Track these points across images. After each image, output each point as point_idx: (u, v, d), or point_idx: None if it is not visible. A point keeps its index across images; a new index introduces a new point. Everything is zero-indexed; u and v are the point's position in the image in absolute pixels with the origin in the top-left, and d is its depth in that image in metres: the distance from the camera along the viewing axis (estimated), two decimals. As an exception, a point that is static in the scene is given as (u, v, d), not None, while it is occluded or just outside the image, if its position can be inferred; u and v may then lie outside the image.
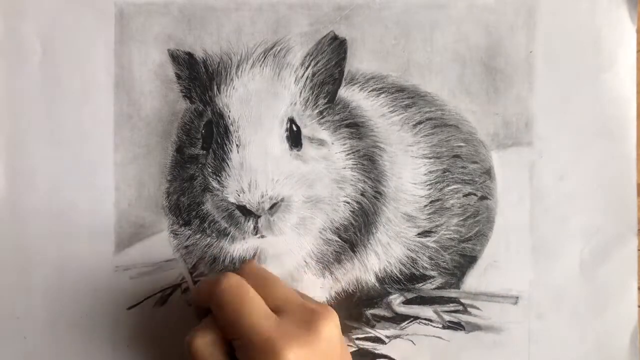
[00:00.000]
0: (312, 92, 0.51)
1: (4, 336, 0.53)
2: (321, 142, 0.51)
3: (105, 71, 0.53)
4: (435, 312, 0.54)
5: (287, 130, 0.50)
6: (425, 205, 0.54)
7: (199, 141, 0.52)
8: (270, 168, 0.49)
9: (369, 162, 0.52)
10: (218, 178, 0.49)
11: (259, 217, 0.49)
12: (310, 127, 0.51)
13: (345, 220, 0.52)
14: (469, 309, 0.54)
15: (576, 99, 0.54)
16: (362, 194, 0.52)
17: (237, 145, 0.49)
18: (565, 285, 0.54)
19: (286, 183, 0.49)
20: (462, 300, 0.54)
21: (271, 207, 0.48)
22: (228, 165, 0.49)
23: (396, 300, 0.55)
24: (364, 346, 0.54)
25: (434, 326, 0.54)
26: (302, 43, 0.53)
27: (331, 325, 0.43)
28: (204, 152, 0.51)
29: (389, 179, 0.53)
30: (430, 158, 0.54)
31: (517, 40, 0.54)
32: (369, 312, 0.55)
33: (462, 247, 0.54)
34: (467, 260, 0.54)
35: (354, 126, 0.52)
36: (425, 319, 0.54)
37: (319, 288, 0.53)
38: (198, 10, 0.53)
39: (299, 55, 0.52)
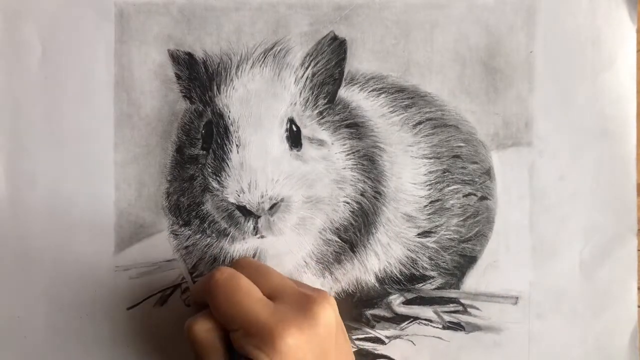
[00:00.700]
0: (312, 93, 0.51)
1: (4, 336, 0.53)
2: (321, 143, 0.51)
3: (105, 71, 0.53)
4: (435, 312, 0.54)
5: (287, 130, 0.50)
6: (425, 206, 0.53)
7: (198, 141, 0.52)
8: (270, 168, 0.49)
9: (368, 162, 0.52)
10: (218, 178, 0.49)
11: (259, 217, 0.49)
12: (310, 128, 0.51)
13: (345, 220, 0.52)
14: (468, 310, 0.54)
15: (576, 99, 0.54)
16: (362, 194, 0.52)
17: (237, 145, 0.49)
18: (565, 285, 0.54)
19: (286, 183, 0.49)
20: (462, 301, 0.54)
21: (271, 208, 0.48)
22: (228, 165, 0.49)
23: (396, 300, 0.55)
24: (364, 346, 0.54)
25: (434, 326, 0.54)
26: (302, 43, 0.53)
27: (328, 309, 0.43)
28: (204, 152, 0.51)
29: (388, 179, 0.53)
30: (430, 158, 0.54)
31: (517, 40, 0.54)
32: (369, 312, 0.55)
33: (462, 247, 0.54)
34: (467, 261, 0.54)
35: (354, 126, 0.52)
36: (425, 320, 0.54)
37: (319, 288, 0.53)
38: (198, 10, 0.53)
39: (298, 56, 0.52)
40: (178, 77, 0.53)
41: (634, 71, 0.54)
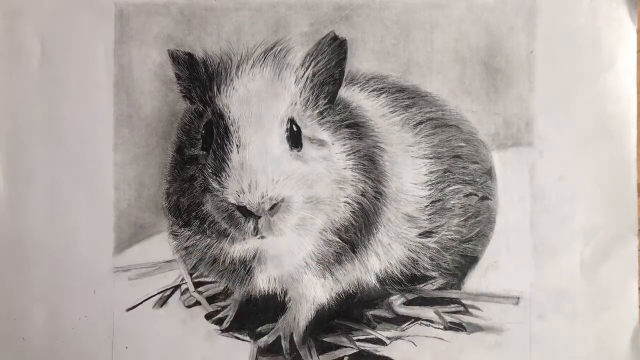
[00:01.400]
0: (313, 93, 0.51)
1: (2, 337, 0.53)
2: (321, 143, 0.51)
3: (105, 71, 0.53)
4: (436, 313, 0.54)
5: (287, 130, 0.50)
6: (426, 206, 0.53)
7: (199, 142, 0.51)
8: (271, 168, 0.48)
9: (369, 162, 0.52)
10: (218, 179, 0.49)
11: (259, 217, 0.48)
12: (310, 128, 0.51)
13: (346, 220, 0.52)
14: (470, 310, 0.54)
15: (576, 99, 0.54)
16: (362, 195, 0.51)
17: (237, 145, 0.49)
18: (566, 285, 0.54)
19: (286, 183, 0.48)
20: (463, 301, 0.54)
21: (271, 208, 0.48)
22: (228, 165, 0.49)
23: (397, 301, 0.55)
24: (365, 347, 0.54)
25: (435, 327, 0.54)
26: (302, 43, 0.53)
27: None
28: (204, 152, 0.51)
29: (389, 179, 0.52)
30: (430, 158, 0.54)
31: (517, 40, 0.54)
32: (370, 313, 0.54)
33: (463, 247, 0.54)
34: (468, 261, 0.54)
35: (354, 126, 0.52)
36: (426, 320, 0.54)
37: (319, 289, 0.53)
38: (198, 10, 0.53)
39: (299, 56, 0.52)
40: (178, 77, 0.53)
41: (634, 71, 0.54)
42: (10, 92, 0.53)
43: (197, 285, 0.55)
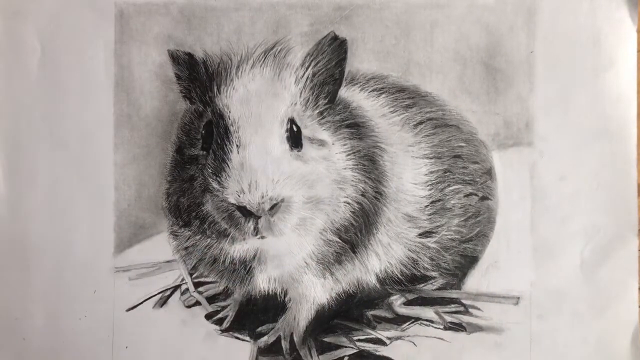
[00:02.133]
0: (313, 93, 0.51)
1: (2, 337, 0.53)
2: (321, 143, 0.51)
3: (105, 71, 0.53)
4: (437, 313, 0.54)
5: (287, 130, 0.50)
6: (426, 206, 0.53)
7: (199, 142, 0.51)
8: (271, 168, 0.48)
9: (369, 162, 0.52)
10: (218, 179, 0.49)
11: (259, 217, 0.48)
12: (310, 128, 0.51)
13: (346, 220, 0.52)
14: (470, 310, 0.54)
15: (576, 99, 0.54)
16: (362, 195, 0.51)
17: (237, 145, 0.49)
18: (566, 285, 0.54)
19: (286, 184, 0.48)
20: (463, 301, 0.54)
21: (271, 208, 0.48)
22: (228, 165, 0.49)
23: (397, 301, 0.55)
24: (365, 347, 0.54)
25: (435, 327, 0.54)
26: (303, 43, 0.53)
27: None
28: (204, 152, 0.51)
29: (389, 179, 0.52)
30: (431, 158, 0.54)
31: (517, 40, 0.54)
32: (370, 313, 0.54)
33: (463, 247, 0.54)
34: (468, 261, 0.54)
35: (354, 126, 0.52)
36: (426, 320, 0.54)
37: (319, 289, 0.53)
38: (198, 10, 0.53)
39: (299, 56, 0.52)
40: (178, 77, 0.53)
41: (635, 71, 0.54)
42: (10, 92, 0.53)
43: (197, 285, 0.55)
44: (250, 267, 0.52)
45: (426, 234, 0.54)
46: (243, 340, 0.54)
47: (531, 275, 0.54)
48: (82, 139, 0.53)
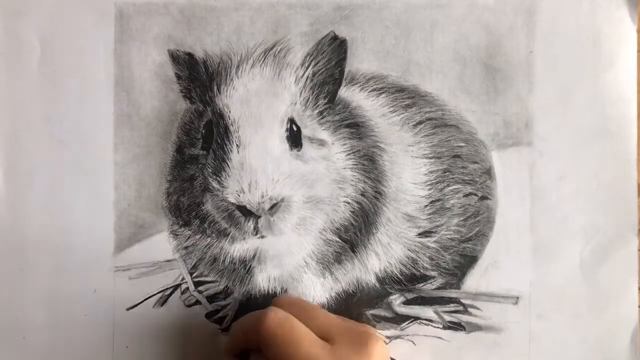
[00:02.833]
0: (313, 92, 0.51)
1: (3, 336, 0.53)
2: (321, 142, 0.51)
3: (105, 71, 0.53)
4: (436, 312, 0.54)
5: (287, 130, 0.50)
6: (426, 206, 0.53)
7: (199, 141, 0.51)
8: (271, 168, 0.48)
9: (369, 162, 0.52)
10: (218, 178, 0.49)
11: (259, 217, 0.48)
12: (310, 127, 0.51)
13: (346, 220, 0.52)
14: (469, 309, 0.54)
15: (576, 99, 0.54)
16: (362, 194, 0.52)
17: (237, 145, 0.49)
18: (565, 285, 0.54)
19: (286, 183, 0.48)
20: (463, 301, 0.54)
21: (271, 207, 0.48)
22: (228, 165, 0.49)
23: (396, 300, 0.55)
24: (364, 347, 0.54)
25: (435, 326, 0.54)
26: (302, 43, 0.53)
27: (381, 343, 0.45)
28: (204, 152, 0.51)
29: (389, 179, 0.53)
30: (430, 158, 0.54)
31: (517, 40, 0.54)
32: (370, 312, 0.54)
33: (463, 247, 0.54)
34: (468, 261, 0.54)
35: (354, 126, 0.52)
36: (425, 320, 0.54)
37: (319, 288, 0.53)
38: (198, 10, 0.53)
39: (299, 56, 0.52)
40: (178, 77, 0.53)
41: (635, 71, 0.54)
42: (10, 92, 0.53)
43: (197, 284, 0.55)
44: (250, 266, 0.52)
45: (426, 233, 0.54)
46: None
47: (530, 275, 0.54)
48: (82, 139, 0.53)
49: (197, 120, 0.52)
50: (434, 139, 0.54)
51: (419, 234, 0.54)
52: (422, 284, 0.55)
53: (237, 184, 0.48)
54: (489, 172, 0.54)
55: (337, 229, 0.52)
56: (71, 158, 0.53)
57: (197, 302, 0.55)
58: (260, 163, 0.48)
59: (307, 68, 0.51)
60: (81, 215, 0.53)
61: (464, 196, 0.54)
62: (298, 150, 0.50)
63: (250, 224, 0.49)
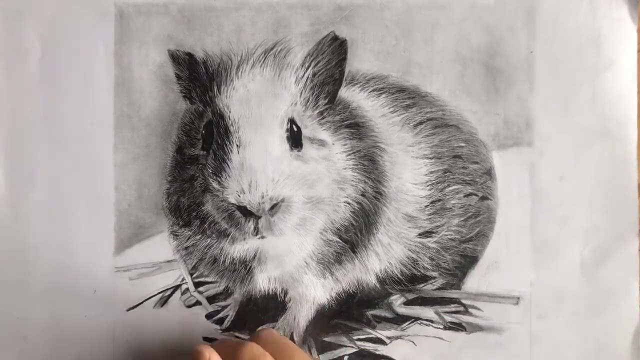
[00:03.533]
0: (313, 93, 0.51)
1: (3, 336, 0.53)
2: (322, 143, 0.51)
3: (105, 71, 0.53)
4: (436, 312, 0.54)
5: (287, 130, 0.50)
6: (426, 206, 0.53)
7: (199, 142, 0.51)
8: (271, 168, 0.48)
9: (369, 162, 0.52)
10: (218, 179, 0.49)
11: (260, 217, 0.48)
12: (310, 128, 0.51)
13: (346, 220, 0.52)
14: (470, 310, 0.54)
15: (576, 99, 0.54)
16: (362, 195, 0.52)
17: (237, 145, 0.49)
18: (566, 285, 0.54)
19: (287, 183, 0.48)
20: (463, 301, 0.54)
21: (272, 208, 0.48)
22: (228, 165, 0.49)
23: (397, 301, 0.55)
24: (365, 347, 0.54)
25: (435, 327, 0.54)
26: (303, 43, 0.53)
27: None
28: (204, 152, 0.51)
29: (389, 179, 0.53)
30: (431, 158, 0.54)
31: (517, 40, 0.54)
32: (370, 312, 0.54)
33: (463, 247, 0.54)
34: (468, 261, 0.54)
35: (354, 126, 0.52)
36: (426, 320, 0.54)
37: (319, 289, 0.53)
38: (198, 10, 0.53)
39: (299, 56, 0.52)
40: (178, 77, 0.53)
41: (635, 71, 0.54)
42: (10, 92, 0.53)
43: (197, 285, 0.55)
44: (251, 267, 0.52)
45: (426, 233, 0.54)
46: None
47: (531, 275, 0.54)
48: (82, 139, 0.53)
49: (197, 121, 0.52)
50: (434, 139, 0.54)
51: (420, 235, 0.54)
52: (423, 285, 0.54)
53: (238, 184, 0.48)
54: (489, 173, 0.54)
55: (338, 229, 0.52)
56: (71, 158, 0.53)
57: (198, 303, 0.55)
58: (260, 163, 0.48)
59: (307, 68, 0.51)
60: (81, 216, 0.53)
61: (464, 196, 0.54)
62: (298, 151, 0.50)
63: (251, 225, 0.49)
